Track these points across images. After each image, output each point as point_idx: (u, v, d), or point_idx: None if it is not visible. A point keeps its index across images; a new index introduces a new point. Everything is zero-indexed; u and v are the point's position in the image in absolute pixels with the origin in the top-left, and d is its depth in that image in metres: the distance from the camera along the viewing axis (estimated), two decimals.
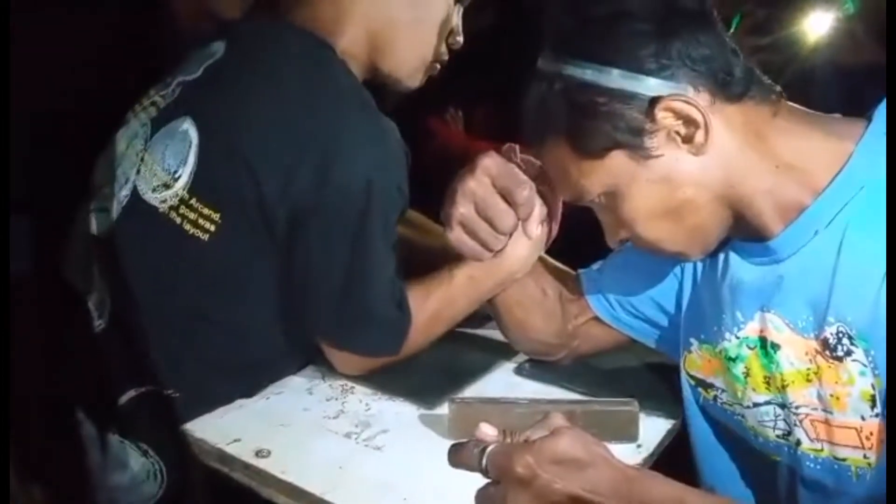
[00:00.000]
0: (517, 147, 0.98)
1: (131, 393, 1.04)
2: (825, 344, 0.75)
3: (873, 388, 0.72)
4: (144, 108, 1.12)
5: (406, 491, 0.86)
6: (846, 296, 0.73)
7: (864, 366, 0.73)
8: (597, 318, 1.05)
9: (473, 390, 1.07)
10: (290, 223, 0.97)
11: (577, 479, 0.60)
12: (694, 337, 0.91)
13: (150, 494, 1.04)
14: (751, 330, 0.83)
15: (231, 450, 0.93)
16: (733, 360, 0.85)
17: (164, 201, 1.02)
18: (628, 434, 0.94)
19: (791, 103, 0.80)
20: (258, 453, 0.92)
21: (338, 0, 1.04)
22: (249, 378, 1.06)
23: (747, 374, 0.84)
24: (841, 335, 0.74)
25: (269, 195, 0.96)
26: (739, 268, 0.84)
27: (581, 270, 1.07)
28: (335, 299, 0.99)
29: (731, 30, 1.68)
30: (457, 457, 0.65)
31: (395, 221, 1.01)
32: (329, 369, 1.10)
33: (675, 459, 0.98)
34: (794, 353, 0.78)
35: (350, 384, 1.08)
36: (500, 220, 0.92)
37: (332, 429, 0.98)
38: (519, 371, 1.13)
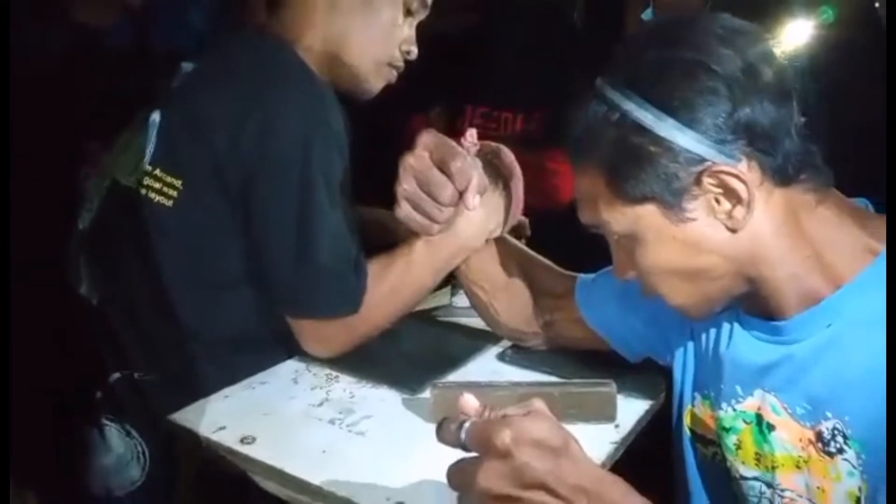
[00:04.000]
0: (474, 131, 1.03)
1: (116, 375, 1.07)
2: (819, 436, 0.74)
3: (860, 490, 0.72)
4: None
5: (389, 474, 0.88)
6: (847, 395, 0.72)
7: (854, 468, 0.72)
8: (579, 319, 1.04)
9: (456, 377, 1.09)
10: (242, 183, 1.04)
11: (549, 466, 0.60)
12: (698, 391, 0.90)
13: (134, 478, 1.06)
14: (749, 405, 0.81)
15: (217, 437, 0.95)
16: (727, 430, 0.84)
17: (133, 180, 1.10)
18: (606, 414, 0.96)
19: (837, 192, 0.77)
20: (243, 440, 0.94)
21: (296, 7, 1.13)
22: (229, 360, 1.08)
23: (738, 447, 0.83)
24: (836, 432, 0.73)
25: (220, 156, 1.03)
26: (743, 341, 0.82)
27: (581, 276, 1.07)
28: (287, 257, 1.03)
29: None
30: (439, 433, 0.65)
31: (340, 181, 1.06)
32: (313, 360, 1.11)
33: (652, 440, 1.00)
34: (788, 437, 0.77)
35: (335, 373, 1.10)
36: (439, 192, 0.95)
37: (316, 416, 1.00)
38: (501, 357, 1.15)
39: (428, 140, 0.96)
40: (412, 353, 1.12)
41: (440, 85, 1.96)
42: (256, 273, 1.07)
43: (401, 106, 1.85)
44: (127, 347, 1.09)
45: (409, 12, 1.16)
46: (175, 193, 1.07)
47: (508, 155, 1.07)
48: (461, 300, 1.28)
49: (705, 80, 0.70)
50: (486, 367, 1.14)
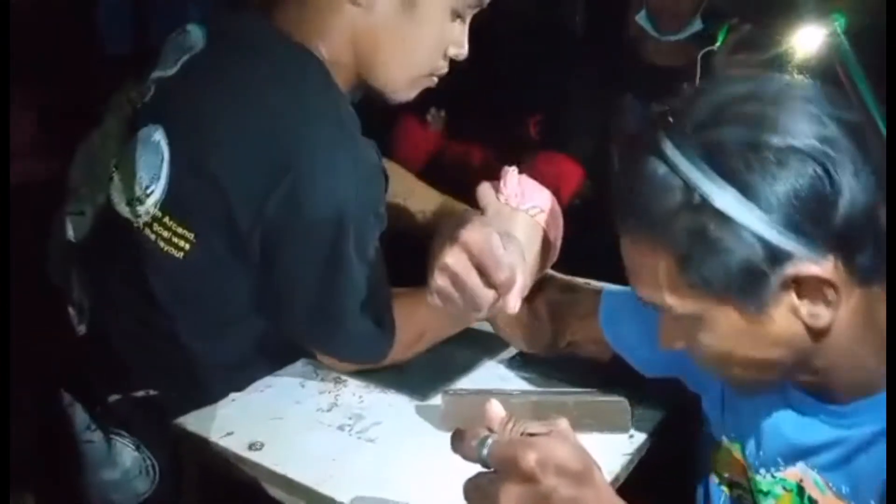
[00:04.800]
0: (514, 172, 0.96)
1: (116, 396, 1.04)
2: None
3: None
4: (120, 106, 1.11)
5: (399, 482, 0.87)
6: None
7: None
8: (601, 340, 1.01)
9: (466, 382, 1.08)
10: (264, 246, 0.96)
11: (571, 492, 0.59)
12: (726, 436, 0.87)
13: (142, 490, 1.04)
14: (789, 475, 0.79)
15: (224, 443, 0.93)
16: (764, 493, 0.81)
17: (137, 216, 1.01)
18: (620, 425, 0.95)
19: None
20: (251, 446, 0.92)
21: (323, 7, 0.99)
22: (236, 377, 1.06)
23: None
24: None
25: (240, 219, 0.95)
26: (789, 417, 0.78)
27: (605, 292, 1.02)
28: (311, 320, 0.99)
29: (718, 44, 1.65)
30: (456, 445, 0.63)
31: (374, 243, 0.99)
32: (321, 363, 1.10)
33: (664, 450, 0.99)
34: None
35: (343, 377, 1.08)
36: (479, 301, 0.85)
37: (325, 421, 0.98)
38: (511, 364, 1.13)
39: (468, 240, 0.82)
40: (421, 358, 1.10)
41: (436, 87, 1.94)
42: (273, 318, 1.03)
43: (394, 106, 1.83)
44: (122, 367, 1.05)
45: (457, 15, 1.01)
46: (187, 246, 0.98)
47: (552, 202, 0.99)
48: None
49: (801, 169, 0.63)
50: (495, 372, 1.12)
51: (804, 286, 0.66)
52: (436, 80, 1.07)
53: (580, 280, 1.10)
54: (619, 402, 0.95)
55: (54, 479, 1.10)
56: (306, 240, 0.94)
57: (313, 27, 1.00)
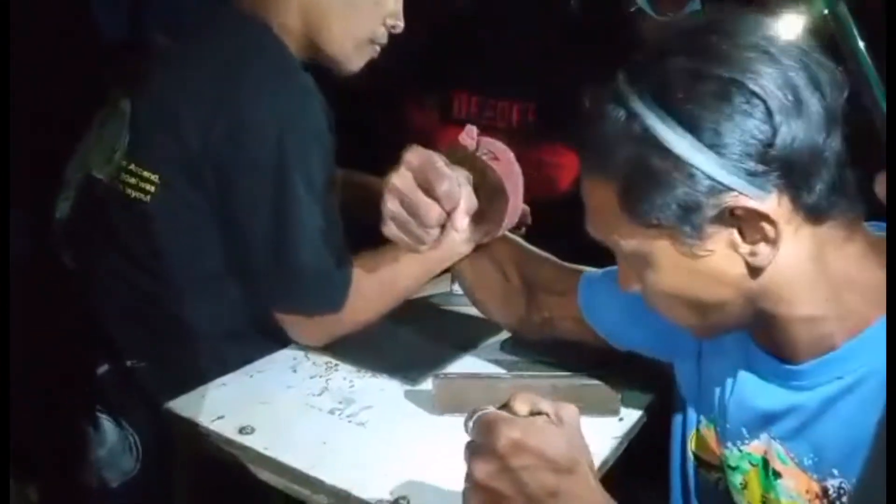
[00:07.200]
0: (474, 129, 1.00)
1: (105, 366, 1.06)
2: (825, 492, 0.70)
3: None
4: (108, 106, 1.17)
5: (389, 466, 0.87)
6: (855, 454, 0.66)
7: None
8: (580, 318, 1.00)
9: (457, 367, 1.08)
10: (217, 178, 1.02)
11: (547, 479, 0.58)
12: (704, 415, 0.87)
13: (128, 468, 1.05)
14: (754, 448, 0.78)
15: (215, 427, 0.93)
16: (732, 468, 0.81)
17: (108, 173, 1.09)
18: (610, 408, 0.95)
19: (864, 225, 0.70)
20: (242, 430, 0.92)
21: None
22: (222, 350, 1.07)
23: (744, 487, 0.80)
24: (842, 492, 0.68)
25: (193, 153, 1.01)
26: (750, 383, 0.78)
27: (584, 273, 1.02)
28: (265, 254, 1.02)
29: None
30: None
31: (322, 174, 1.03)
32: (312, 348, 1.10)
33: (655, 433, 1.00)
34: (795, 486, 0.74)
35: (334, 362, 1.09)
36: (425, 215, 0.89)
37: (316, 405, 0.99)
38: (502, 347, 1.14)
39: (412, 159, 0.89)
40: (412, 342, 1.11)
41: (434, 71, 1.94)
42: (237, 267, 1.06)
43: (393, 91, 1.83)
44: (115, 337, 1.08)
45: None
46: (152, 189, 1.05)
47: (507, 153, 1.02)
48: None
49: (742, 102, 0.62)
50: (486, 356, 1.12)
51: (745, 222, 0.66)
52: (378, 49, 1.15)
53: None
54: (608, 385, 0.96)
55: (51, 459, 1.10)
56: (251, 165, 1.00)
57: (266, 3, 1.09)
